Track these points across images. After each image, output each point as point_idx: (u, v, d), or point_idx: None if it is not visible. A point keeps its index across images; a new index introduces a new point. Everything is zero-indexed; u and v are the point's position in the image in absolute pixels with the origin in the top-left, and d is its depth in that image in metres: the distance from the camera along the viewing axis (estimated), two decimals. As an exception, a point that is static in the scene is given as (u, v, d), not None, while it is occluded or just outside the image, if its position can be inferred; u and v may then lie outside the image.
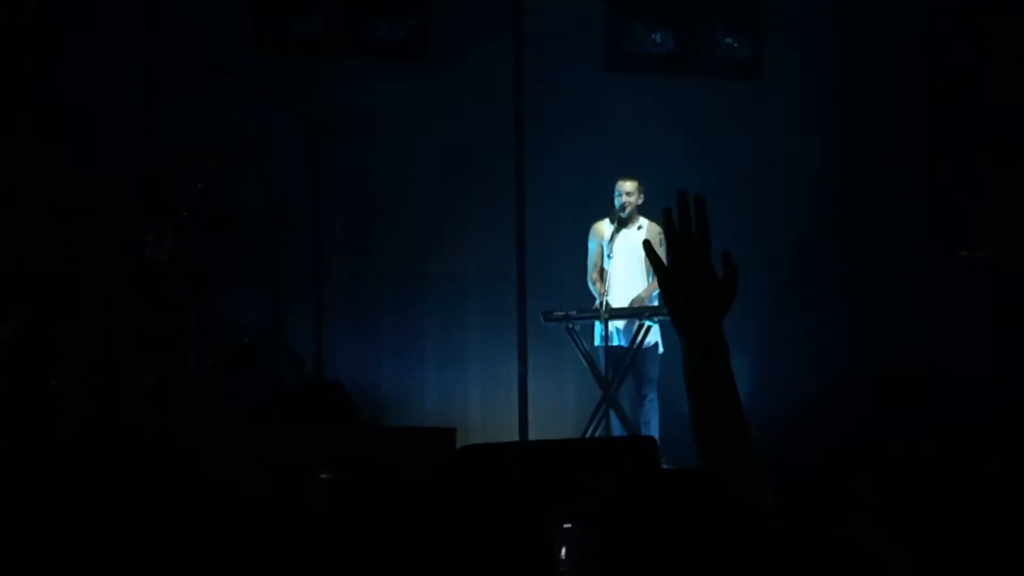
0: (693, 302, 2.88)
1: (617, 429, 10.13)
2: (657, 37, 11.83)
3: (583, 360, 10.31)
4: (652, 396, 10.34)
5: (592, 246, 10.53)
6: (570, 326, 10.29)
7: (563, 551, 3.41)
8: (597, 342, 10.29)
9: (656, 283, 10.15)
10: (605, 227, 10.44)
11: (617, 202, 10.35)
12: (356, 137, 10.51)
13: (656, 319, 10.23)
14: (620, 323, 10.31)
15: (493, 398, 11.19)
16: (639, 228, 10.39)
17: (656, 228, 10.38)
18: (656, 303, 10.28)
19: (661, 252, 9.87)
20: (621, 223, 10.35)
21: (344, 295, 10.64)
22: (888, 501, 2.46)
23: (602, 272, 10.34)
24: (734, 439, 2.77)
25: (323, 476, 4.76)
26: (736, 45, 12.01)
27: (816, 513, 2.14)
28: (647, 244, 3.12)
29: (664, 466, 9.23)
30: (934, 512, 2.40)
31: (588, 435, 9.97)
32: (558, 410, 11.13)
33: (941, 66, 12.08)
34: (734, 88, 11.97)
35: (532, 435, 11.02)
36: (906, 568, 2.09)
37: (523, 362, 11.26)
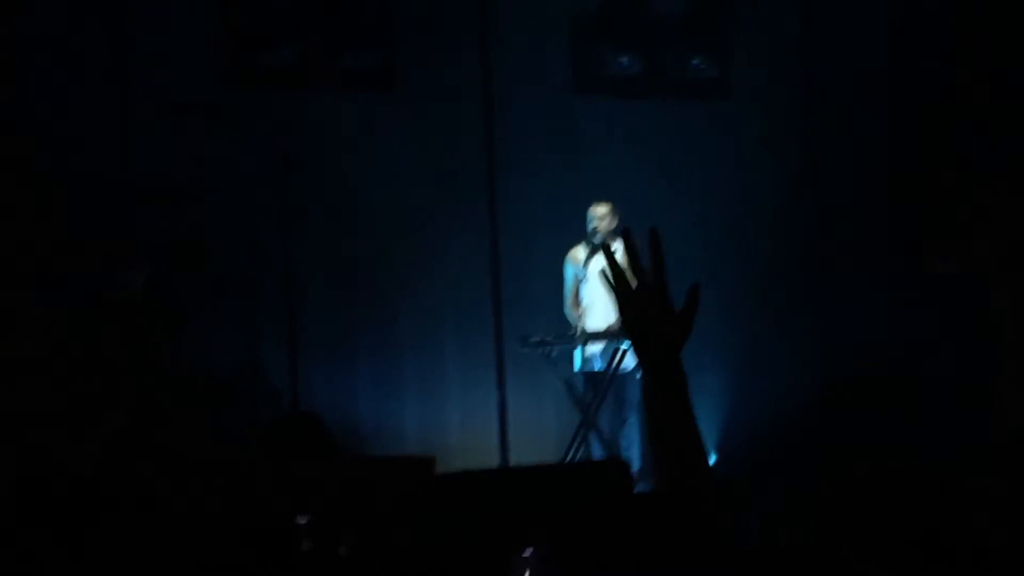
0: (647, 335, 2.85)
1: (598, 452, 10.12)
2: (625, 60, 11.85)
3: (561, 386, 10.30)
4: (632, 419, 10.33)
5: (568, 273, 10.53)
6: (547, 351, 10.27)
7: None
8: (576, 368, 10.28)
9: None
10: (580, 253, 10.44)
11: (590, 227, 10.35)
12: (326, 168, 10.50)
13: (632, 342, 10.23)
14: (598, 347, 10.30)
15: (473, 424, 11.18)
16: (614, 252, 10.37)
17: (632, 251, 10.39)
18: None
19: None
20: (595, 248, 10.35)
21: (319, 326, 10.61)
22: (849, 509, 2.47)
23: (578, 297, 10.34)
24: (694, 469, 2.76)
25: (301, 521, 4.73)
26: (704, 66, 12.03)
27: (791, 524, 2.14)
28: (608, 265, 3.05)
29: (640, 489, 9.24)
30: (897, 522, 2.40)
31: (569, 459, 9.95)
32: (538, 435, 11.11)
33: (907, 82, 12.13)
34: (704, 108, 11.99)
35: (513, 460, 11.00)
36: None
37: (501, 387, 11.25)
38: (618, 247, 9.85)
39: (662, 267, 2.93)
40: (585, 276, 10.31)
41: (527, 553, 3.61)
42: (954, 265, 10.39)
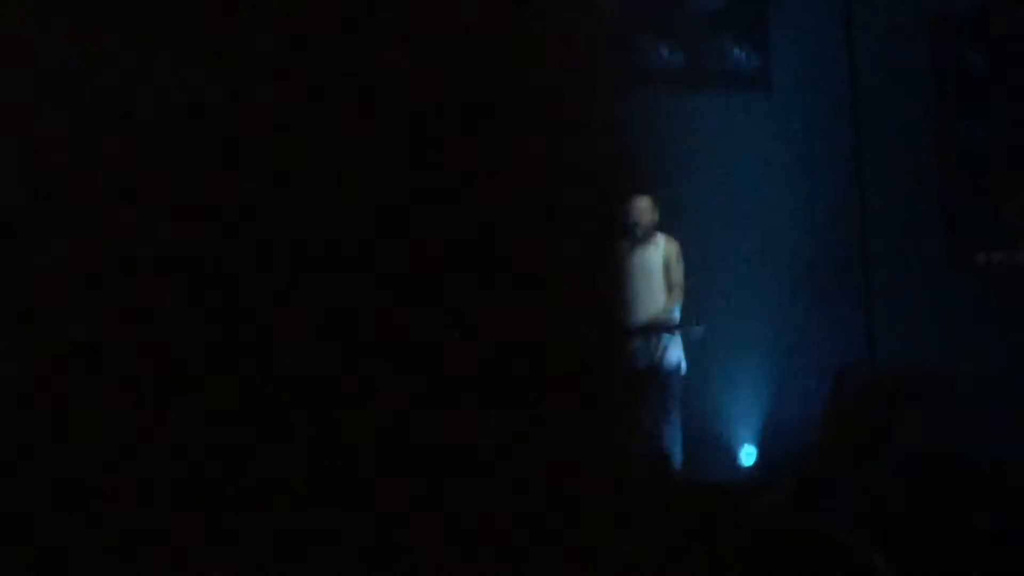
0: None
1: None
2: (665, 52, 11.80)
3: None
4: (675, 416, 10.28)
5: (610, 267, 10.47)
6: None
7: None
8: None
9: (674, 298, 10.18)
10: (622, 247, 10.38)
11: (631, 220, 10.29)
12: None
13: (675, 334, 10.18)
14: (641, 340, 10.25)
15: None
16: (656, 246, 10.33)
17: (674, 244, 10.33)
18: (676, 318, 10.24)
19: (679, 268, 9.74)
20: (636, 241, 10.29)
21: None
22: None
23: (619, 290, 10.28)
24: None
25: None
26: (745, 58, 11.97)
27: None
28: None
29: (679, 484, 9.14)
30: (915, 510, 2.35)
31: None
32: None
33: (955, 75, 12.04)
34: (745, 100, 11.94)
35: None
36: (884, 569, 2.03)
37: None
38: (660, 242, 9.79)
39: None
40: (627, 270, 10.25)
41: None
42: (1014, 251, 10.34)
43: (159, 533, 0.97)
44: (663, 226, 10.37)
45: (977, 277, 11.45)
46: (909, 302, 11.66)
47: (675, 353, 10.23)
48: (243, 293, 1.02)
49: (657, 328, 10.16)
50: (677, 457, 10.13)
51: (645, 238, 10.30)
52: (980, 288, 11.39)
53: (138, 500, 0.99)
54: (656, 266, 10.30)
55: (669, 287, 10.32)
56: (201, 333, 1.01)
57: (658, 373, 10.16)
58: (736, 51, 11.96)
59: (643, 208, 10.29)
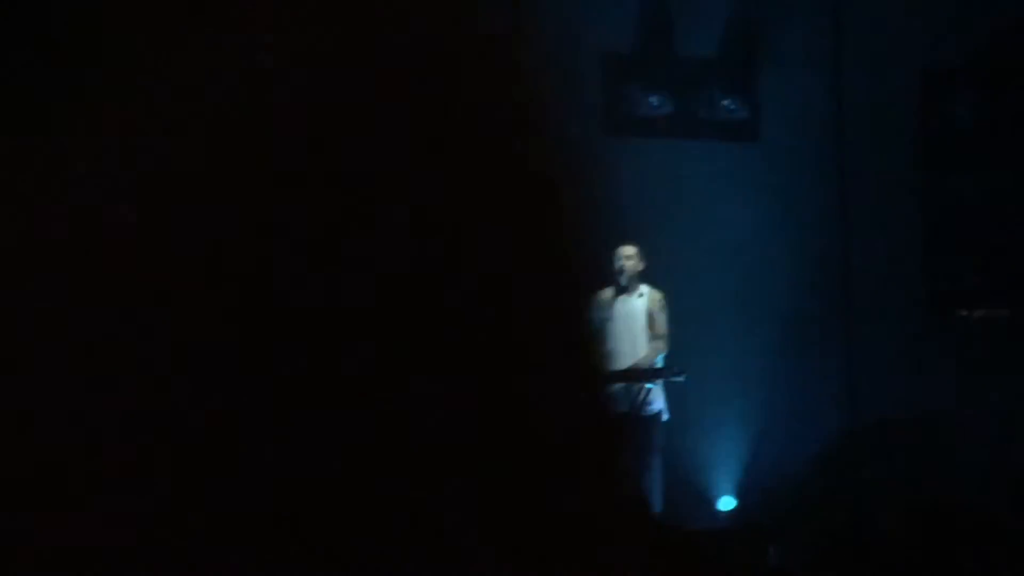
0: None
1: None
2: (654, 100, 11.85)
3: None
4: (656, 463, 10.27)
5: (594, 314, 10.45)
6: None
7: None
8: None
9: (656, 349, 10.19)
10: (607, 294, 10.39)
11: (617, 267, 10.30)
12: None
13: (656, 382, 10.19)
14: (620, 388, 10.24)
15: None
16: (640, 295, 10.34)
17: (658, 295, 10.35)
18: (660, 366, 10.25)
19: (663, 317, 9.71)
20: (620, 289, 10.30)
21: None
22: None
23: (603, 339, 10.27)
24: None
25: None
26: (733, 107, 12.02)
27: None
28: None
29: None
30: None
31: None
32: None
33: (941, 129, 12.11)
34: (732, 151, 11.98)
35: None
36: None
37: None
38: (644, 292, 9.78)
39: None
40: (611, 317, 10.26)
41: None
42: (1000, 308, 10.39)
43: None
44: (648, 275, 10.38)
45: (958, 330, 11.51)
46: (890, 353, 11.69)
47: (657, 401, 10.23)
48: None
49: (639, 376, 10.16)
50: (657, 503, 10.12)
51: (630, 287, 10.31)
52: (960, 340, 11.45)
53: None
54: (640, 315, 10.31)
55: (653, 336, 10.33)
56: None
57: (639, 420, 10.15)
58: (724, 101, 12.01)
59: (629, 256, 10.30)
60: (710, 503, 11.30)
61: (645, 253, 10.37)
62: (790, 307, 11.72)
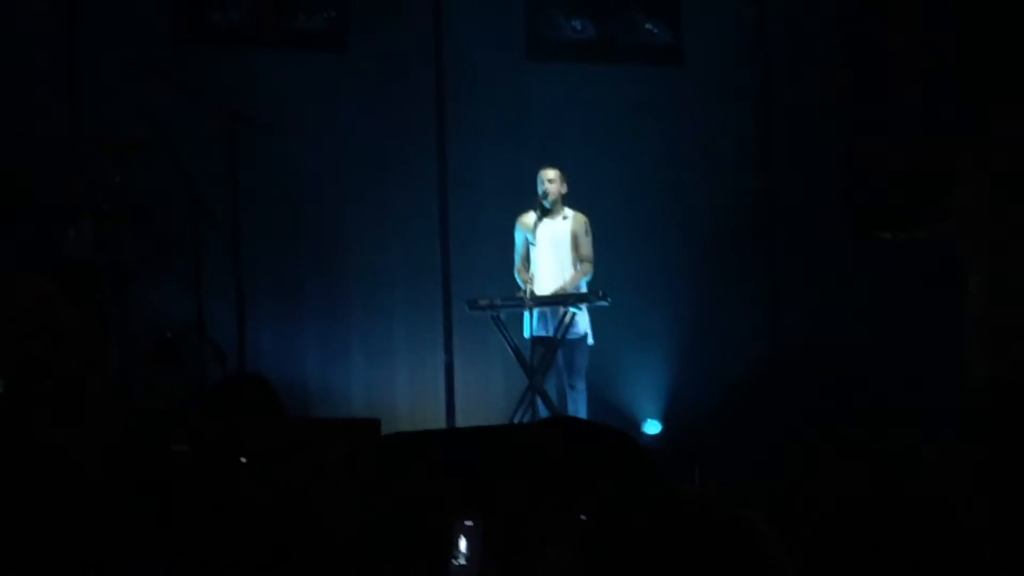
0: None
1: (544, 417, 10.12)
2: (577, 24, 11.83)
3: (509, 350, 10.28)
4: (581, 386, 10.32)
5: (518, 238, 10.49)
6: (495, 315, 10.25)
7: (463, 545, 3.39)
8: (526, 334, 10.22)
9: (582, 271, 10.24)
10: (531, 217, 10.40)
11: (540, 190, 10.32)
12: (276, 129, 10.42)
13: (581, 306, 10.23)
14: (546, 312, 10.28)
15: (420, 388, 11.18)
16: (564, 218, 10.37)
17: (582, 218, 10.38)
18: (584, 290, 10.29)
19: (588, 241, 9.83)
20: (545, 212, 10.32)
21: (267, 288, 10.57)
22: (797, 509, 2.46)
23: (527, 262, 10.31)
24: None
25: (243, 460, 4.71)
26: (657, 31, 12.02)
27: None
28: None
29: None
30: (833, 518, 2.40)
31: (515, 423, 9.95)
32: (485, 399, 11.12)
33: (862, 54, 12.18)
34: (656, 75, 12.00)
35: (459, 424, 11.00)
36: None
37: (448, 351, 11.25)
38: (568, 215, 9.86)
39: None
40: (535, 241, 10.29)
41: (469, 523, 3.59)
42: (921, 227, 10.48)
43: None
44: (571, 199, 10.41)
45: (877, 250, 11.62)
46: (812, 277, 11.79)
47: (582, 324, 10.28)
48: None
49: (564, 299, 10.20)
50: (582, 427, 10.17)
51: (554, 210, 10.34)
52: (879, 260, 11.56)
53: None
54: (564, 237, 10.35)
55: (578, 259, 10.37)
56: None
57: (565, 344, 10.21)
58: (648, 25, 12.01)
59: (552, 179, 10.32)
60: (636, 427, 11.39)
61: (568, 177, 10.40)
62: (713, 232, 11.78)
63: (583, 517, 2.51)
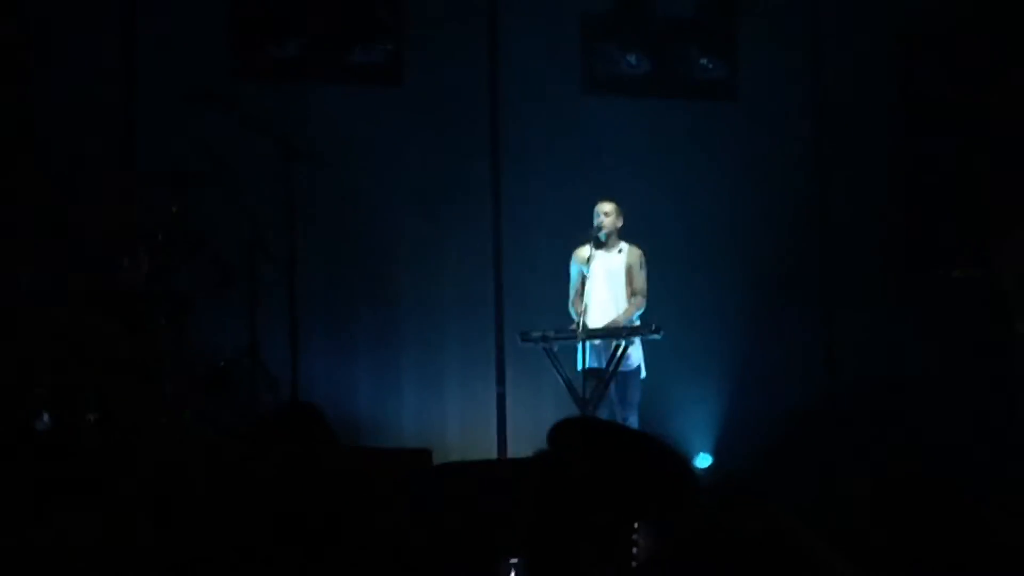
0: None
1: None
2: (632, 59, 11.87)
3: (561, 382, 10.26)
4: (633, 419, 10.29)
5: (573, 271, 10.49)
6: (547, 347, 10.23)
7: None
8: (579, 367, 10.19)
9: (635, 304, 10.22)
10: (586, 251, 10.41)
11: (595, 223, 10.33)
12: (332, 163, 10.48)
13: (634, 339, 10.21)
14: (599, 344, 10.26)
15: (471, 419, 11.18)
16: (619, 251, 10.38)
17: (637, 251, 10.38)
18: (637, 323, 10.28)
19: (642, 274, 9.77)
20: (599, 244, 10.33)
21: (320, 318, 10.62)
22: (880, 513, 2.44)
23: (582, 295, 10.30)
24: None
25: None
26: (711, 66, 12.04)
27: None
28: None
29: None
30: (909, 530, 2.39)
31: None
32: (537, 430, 11.07)
33: (916, 84, 12.15)
34: (710, 109, 12.01)
35: (511, 454, 11.00)
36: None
37: (501, 382, 11.25)
38: (623, 248, 9.84)
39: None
40: (589, 273, 10.29)
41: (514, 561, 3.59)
42: (989, 266, 10.42)
43: None
44: (627, 232, 10.41)
45: (934, 288, 11.56)
46: (867, 313, 11.73)
47: (635, 357, 10.26)
48: None
49: (618, 333, 10.19)
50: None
51: (609, 243, 10.34)
52: (936, 298, 11.50)
53: None
54: (619, 271, 10.35)
55: (631, 292, 10.36)
56: None
57: (617, 374, 10.19)
58: (703, 60, 12.03)
59: (607, 212, 10.33)
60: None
61: (623, 210, 10.40)
62: (767, 266, 11.77)
63: (634, 552, 2.51)
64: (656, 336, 10.18)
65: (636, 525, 2.55)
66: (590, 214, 10.36)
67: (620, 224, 10.37)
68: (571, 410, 10.27)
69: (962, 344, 11.11)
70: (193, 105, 9.53)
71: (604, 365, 10.19)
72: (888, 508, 2.53)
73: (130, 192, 9.76)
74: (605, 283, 10.33)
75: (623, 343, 10.14)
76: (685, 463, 2.75)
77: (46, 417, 7.83)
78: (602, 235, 10.31)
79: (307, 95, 10.88)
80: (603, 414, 10.27)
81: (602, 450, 2.62)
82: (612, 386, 10.20)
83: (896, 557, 2.42)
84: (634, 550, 2.52)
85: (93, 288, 8.84)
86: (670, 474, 2.67)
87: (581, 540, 2.55)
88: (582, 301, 10.21)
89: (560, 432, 2.65)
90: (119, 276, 9.01)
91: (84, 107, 10.08)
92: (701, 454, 11.50)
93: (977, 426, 10.10)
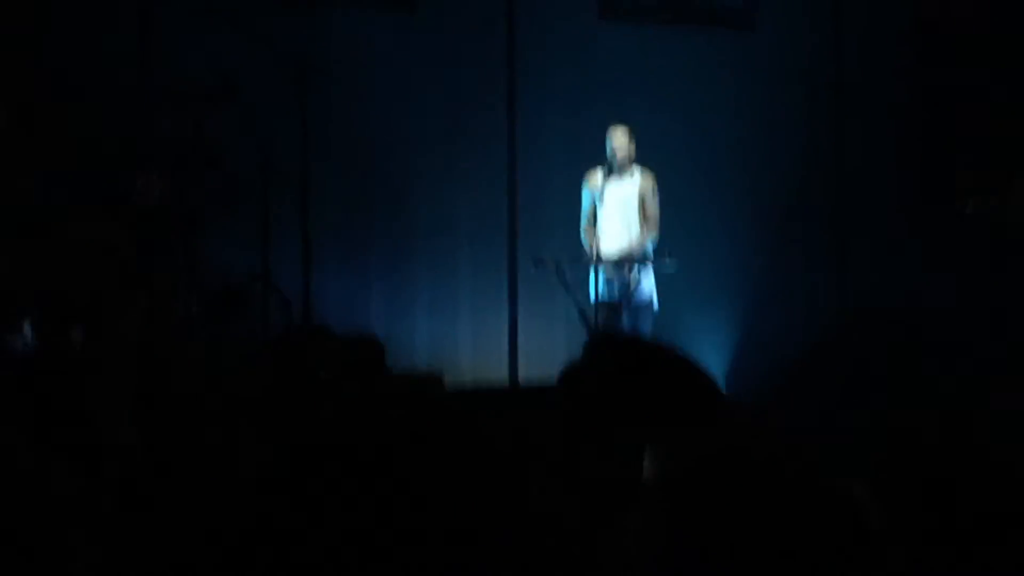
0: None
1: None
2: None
3: (575, 309, 10.24)
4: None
5: (585, 197, 10.45)
6: (560, 274, 10.20)
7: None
8: (592, 298, 10.17)
9: (650, 231, 10.19)
10: (598, 176, 10.36)
11: (608, 149, 10.29)
12: (346, 85, 10.44)
13: (647, 268, 10.19)
14: (613, 277, 10.23)
15: (483, 343, 11.18)
16: (632, 177, 10.33)
17: (651, 177, 10.34)
18: (650, 252, 10.26)
19: (655, 201, 9.76)
20: (612, 170, 10.29)
21: (333, 240, 10.58)
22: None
23: (594, 222, 10.28)
24: None
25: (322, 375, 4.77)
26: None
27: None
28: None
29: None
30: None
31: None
32: (548, 356, 11.10)
33: (937, 21, 12.06)
34: (728, 38, 11.93)
35: (522, 380, 11.00)
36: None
37: (513, 308, 11.24)
38: (636, 174, 9.80)
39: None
40: (602, 200, 10.25)
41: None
42: (992, 200, 10.37)
43: None
44: (640, 158, 10.38)
45: (949, 220, 11.51)
46: (881, 246, 11.71)
47: (647, 286, 10.24)
48: None
49: (630, 260, 10.17)
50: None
51: (622, 169, 10.30)
52: (951, 230, 11.45)
53: None
54: (632, 197, 10.31)
55: (644, 219, 10.33)
56: None
57: (630, 304, 10.18)
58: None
59: (621, 138, 10.28)
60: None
61: (637, 136, 10.35)
62: (781, 197, 11.74)
63: (650, 474, 2.49)
64: (669, 263, 10.16)
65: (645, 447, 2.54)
66: (604, 140, 10.32)
67: (633, 150, 10.33)
68: (582, 337, 10.27)
69: (975, 278, 11.08)
70: (206, 21, 9.48)
71: (617, 297, 10.17)
72: (904, 443, 2.52)
73: (144, 109, 9.72)
74: (617, 212, 10.29)
75: (636, 273, 10.11)
76: (714, 381, 2.74)
77: (27, 328, 7.79)
78: (615, 161, 10.26)
79: (320, 19, 10.78)
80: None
81: (632, 365, 2.60)
82: (624, 317, 10.19)
83: (911, 496, 2.40)
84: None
85: (108, 206, 8.83)
86: (701, 389, 2.66)
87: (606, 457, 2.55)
88: (594, 230, 10.18)
89: (592, 348, 2.63)
90: (133, 194, 8.99)
91: (96, 22, 10.00)
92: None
93: (988, 359, 10.08)
